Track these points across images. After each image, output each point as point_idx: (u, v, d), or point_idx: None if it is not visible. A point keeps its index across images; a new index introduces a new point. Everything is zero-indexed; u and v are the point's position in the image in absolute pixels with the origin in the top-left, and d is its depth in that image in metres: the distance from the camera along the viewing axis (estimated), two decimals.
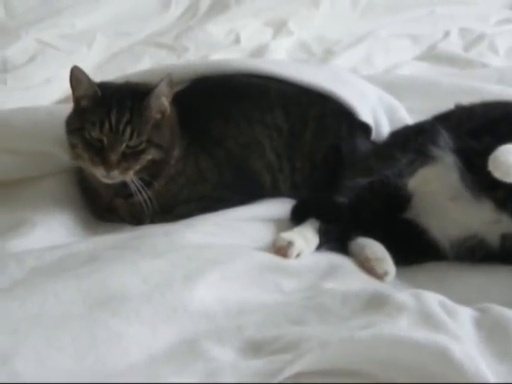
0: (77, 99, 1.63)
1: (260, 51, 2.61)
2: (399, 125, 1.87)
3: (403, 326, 1.22)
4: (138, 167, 1.60)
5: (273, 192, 1.75)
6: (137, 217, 1.66)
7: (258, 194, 1.74)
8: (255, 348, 1.21)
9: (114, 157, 1.57)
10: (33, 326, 1.16)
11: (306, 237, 1.50)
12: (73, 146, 1.62)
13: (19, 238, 1.53)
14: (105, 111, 1.58)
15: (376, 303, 1.29)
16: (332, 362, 1.15)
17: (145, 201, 1.61)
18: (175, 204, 1.68)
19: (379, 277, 1.46)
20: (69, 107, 1.66)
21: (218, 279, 1.34)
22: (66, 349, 1.15)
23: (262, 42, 2.66)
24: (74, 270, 1.33)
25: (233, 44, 2.65)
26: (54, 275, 1.30)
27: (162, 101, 1.61)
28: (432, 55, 2.64)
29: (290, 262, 1.44)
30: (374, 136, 1.85)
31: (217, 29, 2.68)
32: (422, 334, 1.16)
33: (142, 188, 1.60)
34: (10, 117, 1.77)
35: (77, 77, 1.61)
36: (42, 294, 1.22)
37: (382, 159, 1.63)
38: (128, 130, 1.58)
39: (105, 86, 1.63)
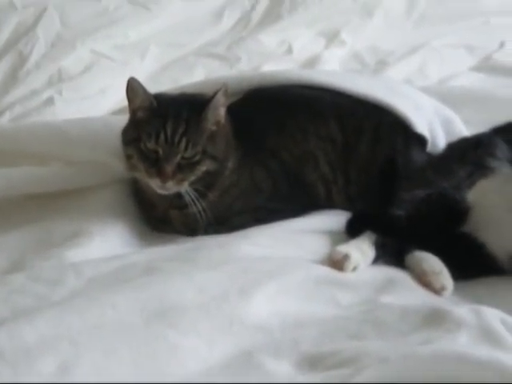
0: (133, 110, 1.63)
1: (312, 62, 2.59)
2: (455, 136, 1.85)
3: (463, 343, 1.21)
4: (192, 178, 1.60)
5: (327, 204, 1.74)
6: (191, 228, 1.66)
7: (312, 206, 1.72)
8: (312, 362, 1.20)
9: (169, 168, 1.57)
10: (92, 337, 1.17)
11: (362, 250, 1.48)
12: (128, 157, 1.63)
13: (77, 248, 1.53)
14: (160, 122, 1.59)
15: (435, 319, 1.28)
16: (392, 378, 1.13)
17: (199, 212, 1.61)
18: (229, 215, 1.67)
19: (437, 291, 1.44)
20: (125, 118, 1.66)
21: (274, 292, 1.34)
22: (124, 360, 1.15)
23: (314, 52, 2.64)
24: (131, 281, 1.33)
25: (285, 54, 2.63)
26: (111, 286, 1.31)
27: (219, 111, 1.61)
28: (487, 66, 2.60)
29: (347, 276, 1.43)
30: (430, 148, 1.82)
31: (269, 39, 2.67)
32: (484, 352, 1.14)
33: (197, 199, 1.60)
34: (66, 127, 1.77)
35: (133, 88, 1.61)
36: (101, 306, 1.23)
37: (439, 171, 1.62)
38: (183, 142, 1.58)
39: (161, 98, 1.63)
